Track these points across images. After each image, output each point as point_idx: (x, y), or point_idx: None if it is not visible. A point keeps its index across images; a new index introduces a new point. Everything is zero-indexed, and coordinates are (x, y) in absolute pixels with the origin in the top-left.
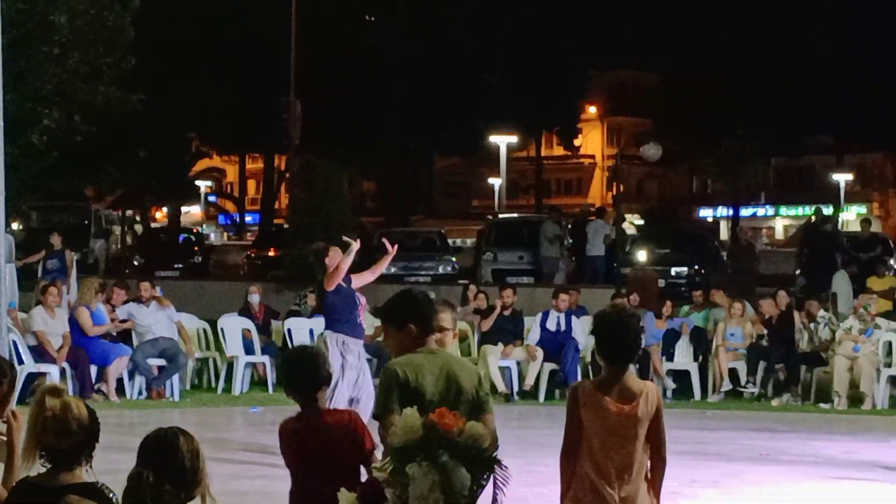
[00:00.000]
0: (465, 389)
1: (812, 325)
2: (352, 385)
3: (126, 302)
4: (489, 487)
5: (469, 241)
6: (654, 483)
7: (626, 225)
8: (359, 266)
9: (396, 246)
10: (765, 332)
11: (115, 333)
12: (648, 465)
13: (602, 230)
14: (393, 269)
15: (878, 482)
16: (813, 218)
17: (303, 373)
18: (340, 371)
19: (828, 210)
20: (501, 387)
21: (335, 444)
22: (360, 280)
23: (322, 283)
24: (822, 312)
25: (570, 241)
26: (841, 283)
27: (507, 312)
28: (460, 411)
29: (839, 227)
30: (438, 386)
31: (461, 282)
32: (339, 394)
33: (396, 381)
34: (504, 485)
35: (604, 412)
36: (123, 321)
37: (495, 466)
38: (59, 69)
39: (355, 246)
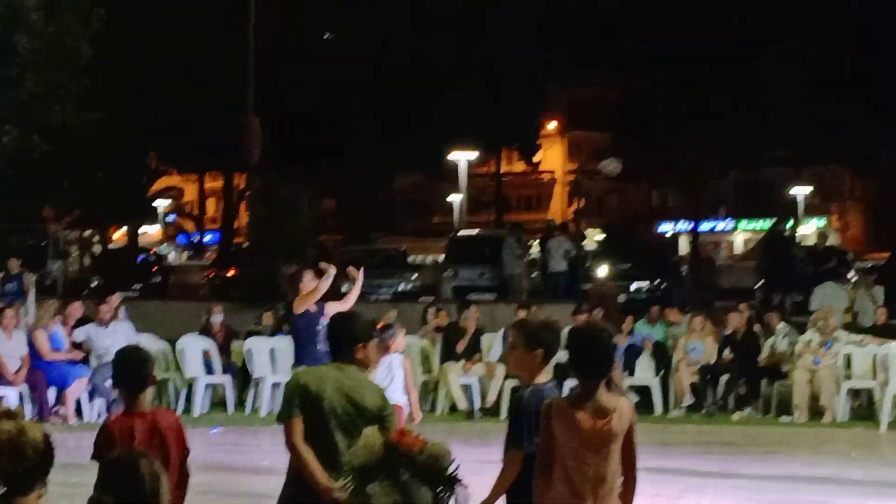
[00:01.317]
0: (367, 406)
1: (771, 339)
2: None
3: (83, 321)
4: None
5: (429, 259)
6: (626, 500)
7: (586, 241)
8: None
9: (362, 270)
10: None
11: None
12: (620, 481)
13: (563, 246)
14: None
15: (839, 495)
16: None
17: (129, 373)
18: None
19: (785, 224)
20: (463, 404)
21: (164, 440)
22: (333, 308)
23: (291, 305)
24: (781, 325)
25: (533, 257)
26: (832, 295)
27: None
28: (359, 425)
29: (796, 240)
30: (339, 398)
31: (422, 299)
32: None
33: (298, 389)
34: (464, 503)
35: (577, 428)
36: (79, 345)
37: (455, 486)
38: (16, 90)
39: (332, 271)
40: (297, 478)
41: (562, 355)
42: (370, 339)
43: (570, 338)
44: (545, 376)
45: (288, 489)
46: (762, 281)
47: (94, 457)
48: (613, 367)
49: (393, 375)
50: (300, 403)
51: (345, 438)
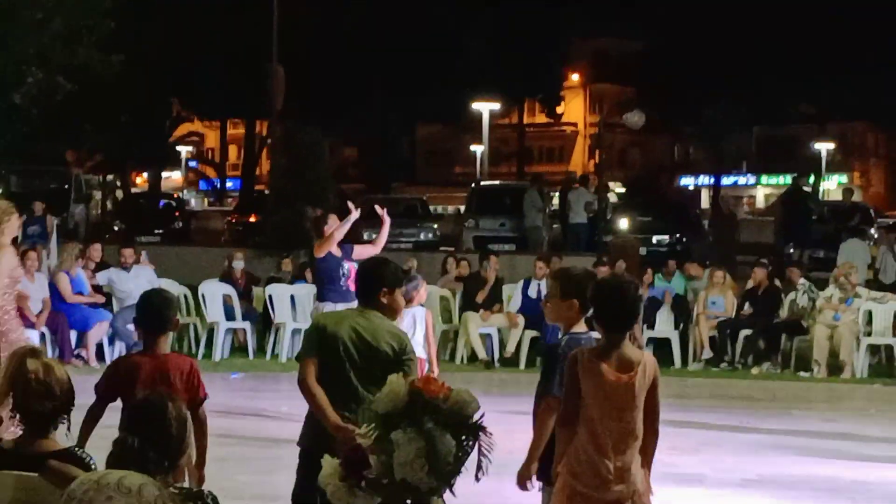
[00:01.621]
0: (383, 349)
1: (792, 294)
2: None
3: (104, 264)
4: (474, 454)
5: (451, 209)
6: (647, 455)
7: (608, 193)
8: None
9: (386, 211)
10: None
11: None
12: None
13: (584, 198)
14: (374, 236)
15: (857, 451)
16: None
17: (150, 314)
18: None
19: (806, 180)
20: (482, 354)
21: (170, 383)
22: (363, 252)
23: (313, 249)
24: (801, 280)
25: (555, 209)
26: (855, 250)
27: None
28: (375, 369)
29: (816, 196)
30: (355, 340)
31: (443, 249)
32: None
33: (316, 330)
34: (489, 451)
35: (602, 381)
36: (100, 288)
37: (480, 433)
38: (41, 33)
39: (354, 215)
40: (313, 418)
41: None
42: (397, 285)
43: (595, 290)
44: (583, 326)
45: (306, 428)
46: (779, 236)
47: (95, 386)
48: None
49: (416, 328)
50: (317, 344)
51: (361, 381)
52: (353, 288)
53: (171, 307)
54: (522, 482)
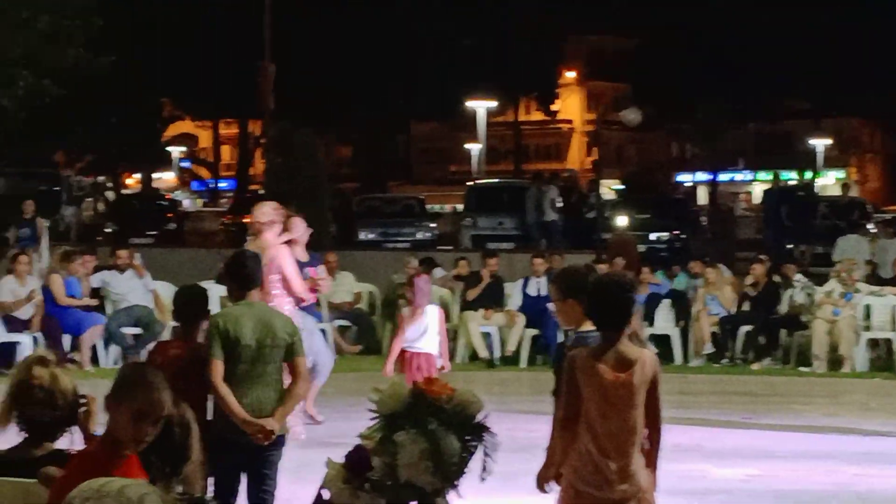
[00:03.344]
0: (279, 335)
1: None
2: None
3: (97, 269)
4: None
5: (448, 208)
6: (651, 453)
7: (604, 190)
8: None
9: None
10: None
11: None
12: (645, 434)
13: (549, 194)
14: (371, 236)
15: (857, 445)
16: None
17: (185, 305)
18: None
19: (786, 175)
20: (483, 352)
21: (198, 368)
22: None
23: None
24: (797, 276)
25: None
26: (855, 247)
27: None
28: (275, 354)
29: (814, 191)
30: (255, 332)
31: (440, 248)
32: None
33: (217, 331)
34: (493, 451)
35: (600, 380)
36: (95, 291)
37: (484, 433)
38: (28, 33)
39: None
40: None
41: None
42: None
43: (590, 288)
44: (591, 324)
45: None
46: (765, 233)
47: None
48: (634, 317)
49: (428, 325)
50: (221, 345)
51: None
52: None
53: (203, 299)
54: (541, 484)
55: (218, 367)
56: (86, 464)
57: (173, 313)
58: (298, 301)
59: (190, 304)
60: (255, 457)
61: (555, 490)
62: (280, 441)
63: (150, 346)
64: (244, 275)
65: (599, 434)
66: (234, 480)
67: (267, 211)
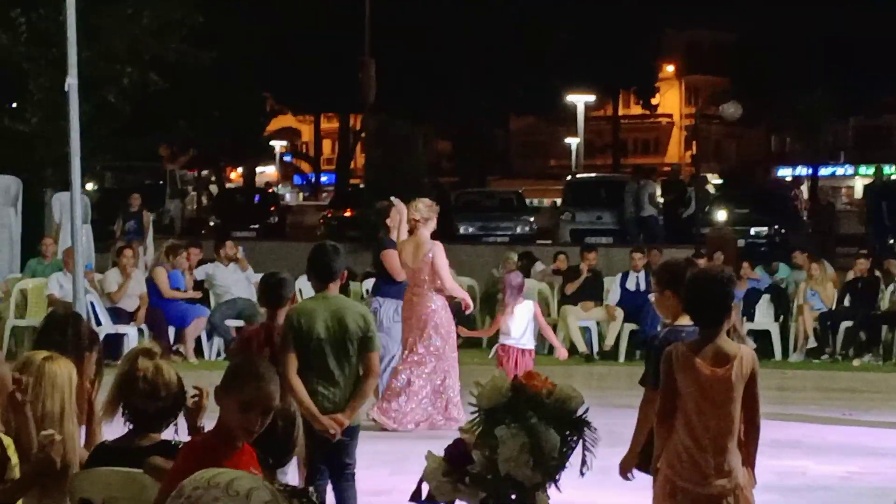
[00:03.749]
0: (351, 328)
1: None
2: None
3: (201, 262)
4: (578, 449)
5: (546, 202)
6: (748, 449)
7: (706, 185)
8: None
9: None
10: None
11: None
12: (742, 430)
13: (648, 189)
14: (471, 230)
15: None
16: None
17: (268, 290)
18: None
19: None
20: (582, 347)
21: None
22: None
23: (383, 242)
24: None
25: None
26: None
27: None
28: (350, 347)
29: None
30: (328, 326)
31: (539, 242)
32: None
33: (291, 325)
34: (593, 446)
35: (697, 375)
36: (200, 283)
37: (584, 428)
38: (132, 27)
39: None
40: None
41: None
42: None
43: (688, 283)
44: (688, 318)
45: None
46: (868, 228)
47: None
48: (733, 312)
49: (527, 321)
50: (294, 339)
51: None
52: None
53: (285, 285)
54: (623, 472)
55: (292, 361)
56: (199, 452)
57: (258, 299)
58: (449, 299)
59: (271, 290)
60: (332, 446)
61: (636, 478)
62: (352, 431)
63: None
64: (322, 267)
65: (696, 428)
66: (316, 471)
67: (421, 207)
